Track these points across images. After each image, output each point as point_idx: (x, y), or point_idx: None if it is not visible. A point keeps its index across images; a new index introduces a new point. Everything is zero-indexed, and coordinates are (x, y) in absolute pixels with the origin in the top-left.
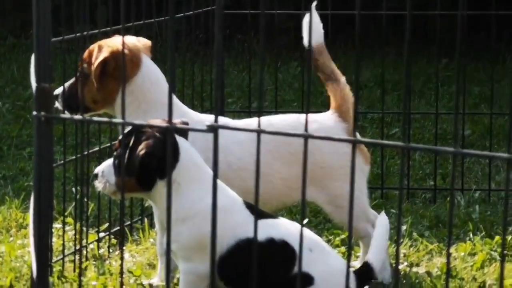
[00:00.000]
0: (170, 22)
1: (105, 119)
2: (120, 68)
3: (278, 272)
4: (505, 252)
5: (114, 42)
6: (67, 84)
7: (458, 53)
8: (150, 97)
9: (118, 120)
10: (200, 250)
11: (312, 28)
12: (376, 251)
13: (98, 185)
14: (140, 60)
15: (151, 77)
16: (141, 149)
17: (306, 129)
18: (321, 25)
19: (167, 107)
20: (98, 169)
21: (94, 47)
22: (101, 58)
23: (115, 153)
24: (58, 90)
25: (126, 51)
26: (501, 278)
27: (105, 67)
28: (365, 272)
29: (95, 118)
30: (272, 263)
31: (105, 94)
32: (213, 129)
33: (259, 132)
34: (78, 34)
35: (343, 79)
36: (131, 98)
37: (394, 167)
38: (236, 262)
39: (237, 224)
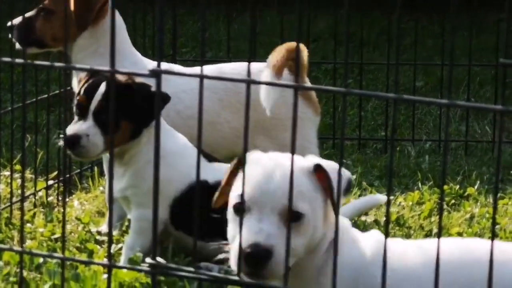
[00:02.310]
0: None
1: (47, 63)
2: (92, 9)
3: (225, 215)
4: (444, 202)
5: None
6: (20, 18)
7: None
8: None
9: (60, 64)
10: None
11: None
12: (345, 209)
13: (84, 149)
14: (107, 6)
15: (116, 23)
16: (140, 90)
17: (248, 75)
18: None
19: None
20: (79, 132)
21: None
22: None
23: (92, 111)
24: (14, 21)
25: None
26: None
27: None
28: None
29: (37, 62)
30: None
31: (69, 33)
32: (156, 74)
33: (201, 77)
34: None
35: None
36: (92, 40)
37: (347, 117)
38: (188, 204)
39: (190, 167)
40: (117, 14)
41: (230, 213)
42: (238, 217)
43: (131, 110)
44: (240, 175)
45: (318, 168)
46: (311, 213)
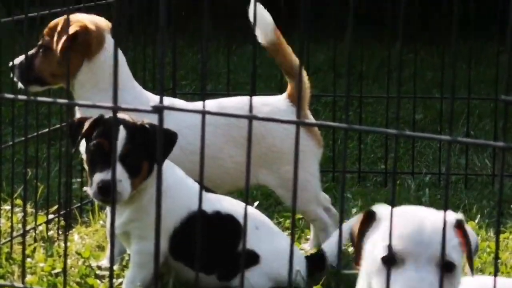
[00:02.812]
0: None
1: (50, 99)
2: (86, 43)
3: (225, 247)
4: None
5: (82, 18)
6: (22, 57)
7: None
8: (110, 76)
9: (62, 100)
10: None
11: (260, 27)
12: (333, 241)
13: (119, 195)
14: (104, 39)
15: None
16: (153, 131)
17: (250, 110)
18: (269, 19)
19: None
20: (114, 177)
21: (59, 21)
22: (71, 32)
23: (118, 155)
24: (15, 61)
25: (93, 27)
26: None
27: (72, 41)
28: (317, 260)
29: (40, 98)
30: (219, 237)
31: (67, 69)
32: (158, 110)
33: (203, 113)
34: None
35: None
36: (90, 75)
37: (346, 150)
38: (187, 235)
39: (189, 197)
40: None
41: (376, 267)
42: (385, 269)
43: (148, 151)
44: (375, 228)
45: (459, 224)
46: (460, 265)
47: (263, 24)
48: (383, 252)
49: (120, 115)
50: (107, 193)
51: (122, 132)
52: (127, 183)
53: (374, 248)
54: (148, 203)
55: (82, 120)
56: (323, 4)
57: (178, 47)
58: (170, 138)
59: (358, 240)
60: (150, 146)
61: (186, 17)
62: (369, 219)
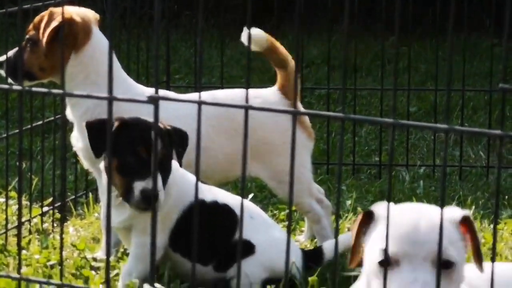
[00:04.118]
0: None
1: (44, 89)
2: (72, 35)
3: (222, 238)
4: None
5: (67, 10)
6: (12, 52)
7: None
8: (99, 68)
9: (57, 91)
10: (161, 221)
11: (256, 46)
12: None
13: (160, 202)
14: (91, 31)
15: (101, 48)
16: (177, 134)
17: (246, 100)
18: (263, 37)
19: (114, 79)
20: (155, 188)
21: (45, 14)
22: (54, 24)
23: (154, 166)
24: (3, 57)
25: (78, 19)
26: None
27: (57, 33)
28: (315, 255)
29: (34, 89)
30: (216, 228)
31: (54, 62)
32: (154, 100)
33: (200, 103)
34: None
35: (292, 63)
36: (79, 67)
37: (343, 140)
38: (187, 227)
39: (190, 190)
40: (103, 37)
41: (373, 269)
42: (382, 272)
43: (171, 153)
44: (372, 230)
45: (464, 220)
46: (460, 262)
47: (259, 43)
48: (379, 255)
49: (144, 118)
50: (150, 201)
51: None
52: (162, 191)
53: (371, 249)
54: None
55: (103, 122)
56: None
57: (171, 41)
58: (185, 137)
59: (356, 240)
60: (176, 149)
61: (179, 11)
62: (368, 219)
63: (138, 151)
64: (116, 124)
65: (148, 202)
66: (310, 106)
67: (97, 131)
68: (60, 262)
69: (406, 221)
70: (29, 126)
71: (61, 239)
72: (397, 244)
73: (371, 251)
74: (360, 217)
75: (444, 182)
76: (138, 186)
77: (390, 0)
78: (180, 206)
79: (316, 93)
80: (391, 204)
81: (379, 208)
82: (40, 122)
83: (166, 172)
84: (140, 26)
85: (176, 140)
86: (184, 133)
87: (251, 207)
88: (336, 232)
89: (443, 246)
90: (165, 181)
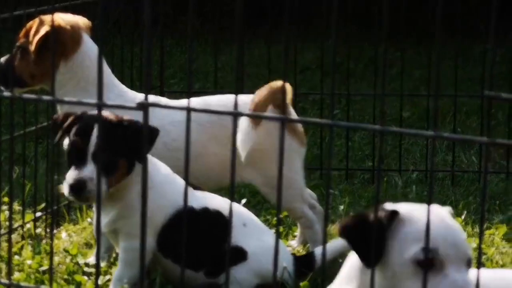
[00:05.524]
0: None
1: (35, 96)
2: (61, 43)
3: (213, 244)
4: None
5: (56, 17)
6: (3, 59)
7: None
8: (89, 75)
9: (47, 97)
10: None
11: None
12: (327, 247)
13: (91, 194)
14: (81, 38)
15: (91, 55)
16: (131, 127)
17: (235, 107)
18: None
19: (104, 85)
20: (84, 177)
21: (35, 21)
22: (42, 32)
23: (92, 155)
24: None
25: (67, 26)
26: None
27: (46, 41)
28: (307, 261)
29: (25, 95)
30: (207, 234)
31: (44, 69)
32: (143, 106)
33: (188, 110)
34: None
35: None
36: (69, 75)
37: (334, 148)
38: (176, 232)
39: (178, 195)
40: (94, 45)
41: (406, 269)
42: (421, 273)
43: (125, 148)
44: (397, 230)
45: None
46: None
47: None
48: (420, 255)
49: (103, 112)
50: (79, 191)
51: (95, 130)
52: (102, 181)
53: (402, 250)
54: (136, 200)
55: (67, 116)
56: (310, 3)
57: (166, 46)
58: (151, 134)
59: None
60: (128, 143)
61: (175, 16)
62: (391, 219)
63: (74, 141)
64: (71, 118)
65: (76, 192)
66: (304, 112)
67: (59, 123)
68: (50, 268)
69: (440, 221)
70: (22, 132)
71: (52, 244)
72: (442, 245)
73: (404, 251)
74: (383, 214)
75: (432, 187)
76: (69, 176)
77: (384, 5)
78: (166, 211)
79: (310, 98)
80: (413, 205)
81: (404, 208)
82: (34, 128)
83: (104, 165)
84: (135, 31)
85: (131, 135)
86: (150, 129)
87: (244, 213)
88: (324, 236)
89: (468, 246)
90: (109, 174)
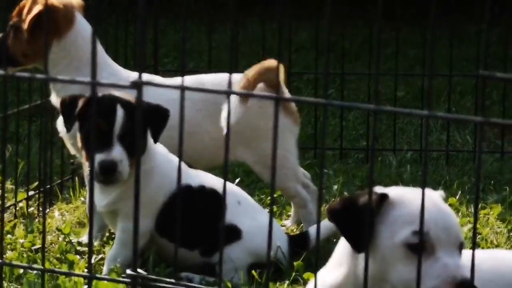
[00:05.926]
0: None
1: (28, 74)
2: (54, 22)
3: (208, 222)
4: None
5: None
6: None
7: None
8: (82, 54)
9: (41, 76)
10: (146, 205)
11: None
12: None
13: (120, 175)
14: (74, 17)
15: (84, 35)
16: (148, 108)
17: (229, 86)
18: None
19: (97, 64)
20: (115, 158)
21: (28, 0)
22: (35, 11)
23: (117, 135)
24: None
25: (60, 5)
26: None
27: (39, 20)
28: (301, 240)
29: (18, 74)
30: (203, 212)
31: (37, 48)
32: (137, 85)
33: (182, 88)
34: None
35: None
36: (62, 53)
37: (328, 127)
38: (173, 211)
39: (175, 172)
40: (87, 24)
41: (396, 253)
42: (413, 257)
43: (144, 130)
44: (386, 213)
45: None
46: None
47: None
48: (410, 238)
49: (115, 93)
50: (109, 173)
51: (119, 111)
52: (127, 163)
53: (393, 233)
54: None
55: (75, 98)
56: None
57: (160, 25)
58: (163, 115)
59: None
60: (146, 124)
61: None
62: (381, 202)
63: (98, 124)
64: (83, 100)
65: (105, 174)
66: (298, 91)
67: (68, 106)
68: (42, 247)
69: (432, 205)
70: (15, 110)
71: (44, 223)
72: (433, 228)
73: (394, 234)
74: (377, 197)
75: (426, 167)
76: (97, 158)
77: None
78: (166, 190)
79: (304, 77)
80: (404, 188)
81: (394, 191)
82: (27, 106)
83: (130, 146)
84: (129, 10)
85: (148, 116)
86: (163, 111)
87: (238, 192)
88: (318, 216)
89: (460, 230)
90: (132, 156)
